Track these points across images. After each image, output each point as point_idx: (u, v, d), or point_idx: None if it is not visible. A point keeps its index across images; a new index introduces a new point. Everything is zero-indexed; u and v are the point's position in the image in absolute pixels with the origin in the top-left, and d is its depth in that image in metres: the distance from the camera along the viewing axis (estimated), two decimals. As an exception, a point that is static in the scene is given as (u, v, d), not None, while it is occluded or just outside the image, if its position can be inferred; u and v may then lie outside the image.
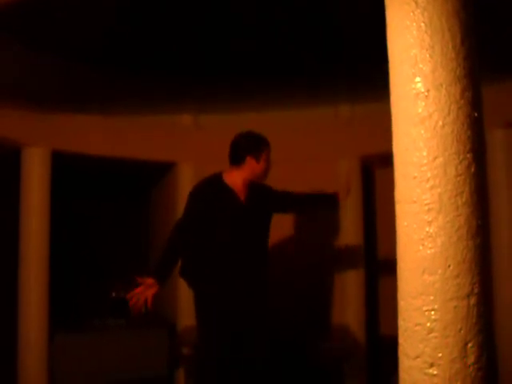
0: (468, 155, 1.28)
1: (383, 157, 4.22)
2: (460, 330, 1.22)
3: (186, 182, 4.56)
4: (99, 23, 3.34)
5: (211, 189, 3.18)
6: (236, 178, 3.18)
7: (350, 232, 4.54)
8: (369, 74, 3.89)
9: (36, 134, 4.15)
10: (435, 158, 1.29)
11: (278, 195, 3.41)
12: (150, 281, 2.98)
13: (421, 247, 1.28)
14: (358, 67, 3.95)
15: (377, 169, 4.87)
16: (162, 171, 5.12)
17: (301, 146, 4.61)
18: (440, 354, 1.23)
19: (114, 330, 4.72)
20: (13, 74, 3.65)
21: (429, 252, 1.27)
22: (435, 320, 1.24)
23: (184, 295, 4.63)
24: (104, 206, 5.42)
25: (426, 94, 1.32)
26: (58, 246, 4.35)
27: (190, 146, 4.73)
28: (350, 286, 4.48)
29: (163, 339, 4.63)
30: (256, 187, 3.26)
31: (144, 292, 2.96)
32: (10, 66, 3.55)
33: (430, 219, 1.28)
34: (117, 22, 3.38)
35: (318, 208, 3.74)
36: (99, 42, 3.60)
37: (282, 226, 4.20)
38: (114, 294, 5.07)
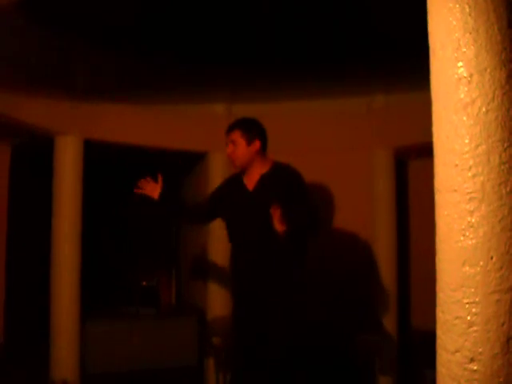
0: (513, 142, 1.22)
1: (417, 148, 4.18)
2: (502, 324, 1.17)
3: (217, 171, 4.56)
4: (133, 10, 3.34)
5: (229, 180, 3.37)
6: (247, 170, 3.23)
7: (382, 224, 4.48)
8: (403, 63, 3.84)
9: (69, 122, 4.18)
10: (478, 146, 1.24)
11: (291, 197, 3.01)
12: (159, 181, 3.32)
13: (462, 238, 1.23)
14: (392, 56, 3.89)
15: (410, 160, 4.80)
16: (194, 160, 5.12)
17: (334, 136, 4.57)
18: (481, 349, 1.18)
19: (144, 319, 4.75)
20: (45, 62, 3.67)
21: (470, 243, 1.22)
22: (476, 313, 1.19)
23: (214, 285, 4.64)
24: (135, 195, 5.44)
25: (469, 78, 1.26)
26: (90, 234, 4.39)
27: (222, 136, 4.70)
28: (381, 279, 4.42)
29: (193, 329, 4.64)
30: (275, 176, 3.13)
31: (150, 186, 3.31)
32: (42, 54, 3.57)
33: (471, 209, 1.22)
34: (151, 9, 3.37)
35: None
36: (133, 30, 3.60)
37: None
38: (144, 283, 5.10)
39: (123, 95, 4.36)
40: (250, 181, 3.19)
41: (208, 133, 4.71)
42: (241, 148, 3.16)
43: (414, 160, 4.75)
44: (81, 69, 4.00)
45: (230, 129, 3.23)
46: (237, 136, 3.18)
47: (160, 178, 3.31)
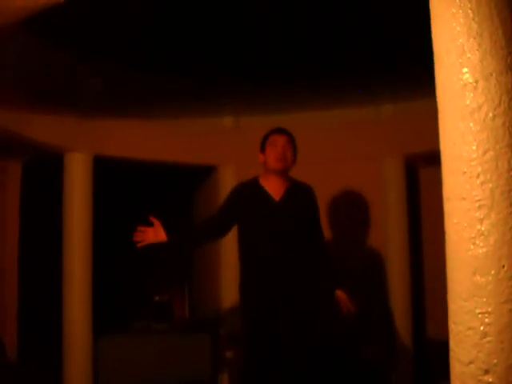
0: (521, 148, 1.20)
1: (427, 155, 4.15)
2: (516, 334, 1.14)
3: (227, 184, 4.52)
4: (138, 27, 3.35)
5: (246, 188, 3.27)
6: (268, 180, 3.21)
7: (394, 233, 4.44)
8: (411, 71, 3.82)
9: (78, 139, 4.19)
10: (485, 152, 1.21)
11: (311, 218, 3.27)
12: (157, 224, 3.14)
13: (472, 246, 1.20)
14: (400, 65, 3.88)
15: (420, 167, 4.77)
16: (203, 174, 5.11)
17: (344, 146, 4.55)
18: (495, 360, 1.15)
19: (157, 334, 4.73)
20: (53, 80, 3.69)
21: (480, 251, 1.19)
22: (489, 324, 1.16)
23: (227, 298, 4.61)
24: (147, 210, 5.43)
25: (475, 84, 1.24)
26: (102, 249, 4.38)
27: (231, 149, 4.71)
28: (396, 290, 4.38)
29: (206, 343, 4.61)
30: (298, 190, 3.23)
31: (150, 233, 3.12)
32: (50, 72, 3.59)
33: (481, 216, 1.20)
34: (156, 25, 3.38)
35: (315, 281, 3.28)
36: (138, 46, 3.61)
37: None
38: (157, 298, 5.09)
39: (131, 110, 4.37)
40: (276, 191, 3.18)
41: (217, 146, 4.71)
42: (291, 156, 3.20)
43: (424, 167, 4.71)
44: (88, 85, 4.02)
45: (288, 135, 3.23)
46: (292, 146, 3.22)
47: (154, 220, 3.16)
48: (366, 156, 4.52)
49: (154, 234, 3.13)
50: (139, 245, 3.12)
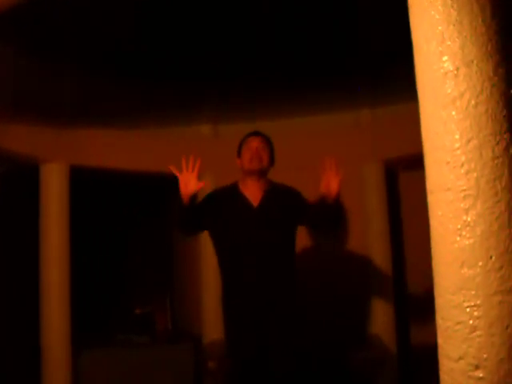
0: (505, 135, 1.17)
1: (407, 159, 4.15)
2: (507, 327, 1.10)
3: (205, 192, 4.47)
4: (114, 34, 3.31)
5: (222, 193, 3.26)
6: (246, 184, 3.19)
7: (376, 237, 4.42)
8: (389, 76, 3.83)
9: (54, 149, 4.13)
10: (469, 141, 1.18)
11: (306, 206, 3.24)
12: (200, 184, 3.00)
13: (458, 238, 1.17)
14: (376, 70, 3.89)
15: (400, 171, 4.76)
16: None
17: (323, 152, 4.50)
18: (486, 355, 1.11)
19: (139, 346, 4.65)
20: (29, 90, 3.63)
21: (467, 243, 1.15)
22: (478, 317, 1.12)
23: (209, 308, 4.55)
24: (125, 220, 5.36)
25: (456, 72, 1.21)
26: (80, 261, 4.31)
27: (209, 157, 4.64)
28: (378, 295, 4.35)
29: (189, 354, 4.54)
30: (277, 193, 3.21)
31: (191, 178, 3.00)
32: (26, 82, 3.54)
33: (466, 207, 1.16)
34: (132, 32, 3.35)
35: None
36: (115, 54, 3.57)
37: (306, 235, 4.13)
38: (138, 311, 5.01)
39: (108, 120, 4.31)
40: (254, 196, 3.15)
41: (195, 154, 4.64)
42: (266, 157, 3.20)
43: (404, 171, 4.71)
44: (64, 95, 3.96)
45: (263, 137, 3.24)
46: (267, 148, 3.23)
47: (202, 183, 3.02)
48: (346, 161, 4.47)
49: (191, 181, 3.01)
50: (173, 168, 3.03)
